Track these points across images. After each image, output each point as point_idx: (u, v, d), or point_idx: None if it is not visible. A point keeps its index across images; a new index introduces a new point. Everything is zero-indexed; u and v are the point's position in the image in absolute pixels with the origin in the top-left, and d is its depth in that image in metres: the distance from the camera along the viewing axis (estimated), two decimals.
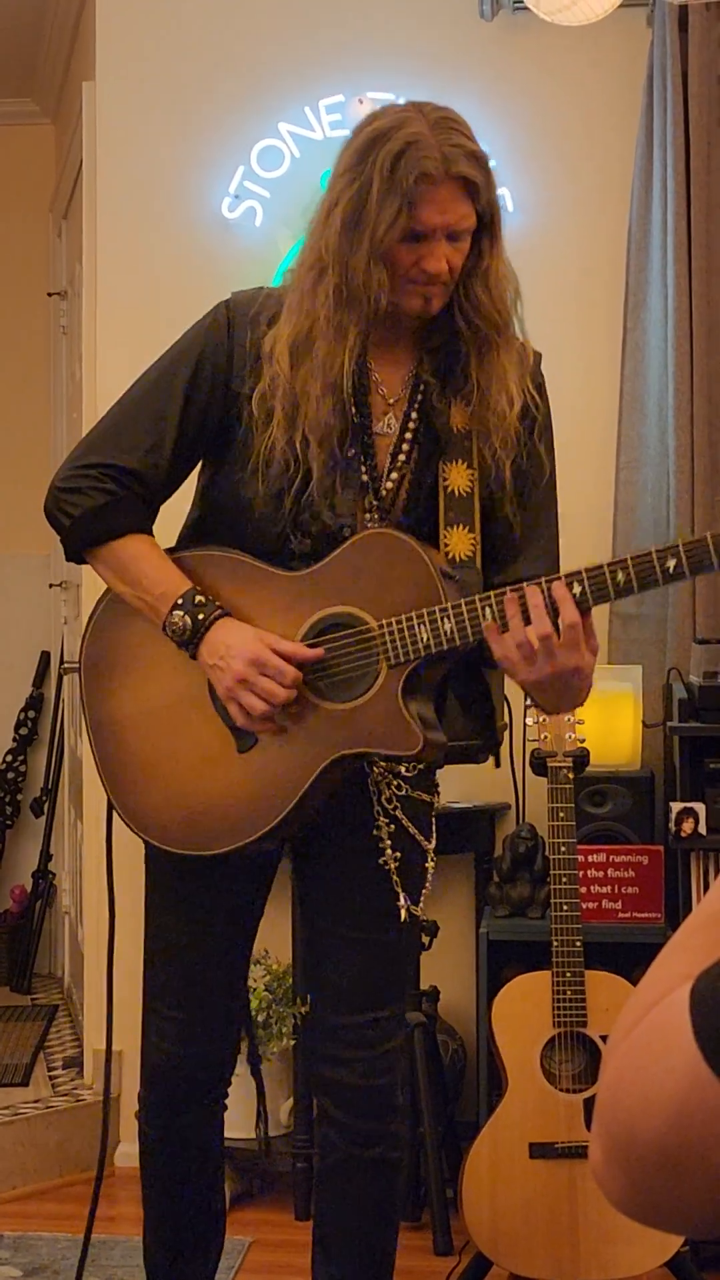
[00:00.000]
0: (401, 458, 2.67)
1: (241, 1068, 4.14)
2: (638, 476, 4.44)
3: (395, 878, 2.69)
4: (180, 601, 2.60)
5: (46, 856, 6.05)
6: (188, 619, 2.59)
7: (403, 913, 2.69)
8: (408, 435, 2.67)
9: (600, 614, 4.45)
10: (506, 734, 4.20)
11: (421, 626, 2.51)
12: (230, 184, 4.61)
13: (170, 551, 2.72)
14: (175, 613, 2.60)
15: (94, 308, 4.74)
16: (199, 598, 2.60)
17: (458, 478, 2.65)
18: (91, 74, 4.81)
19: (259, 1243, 4.00)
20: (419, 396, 2.67)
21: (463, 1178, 3.55)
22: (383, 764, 2.69)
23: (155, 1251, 2.95)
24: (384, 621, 2.53)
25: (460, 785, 4.49)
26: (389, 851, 2.69)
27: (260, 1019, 4.15)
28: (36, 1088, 4.70)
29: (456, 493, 2.65)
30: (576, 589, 2.46)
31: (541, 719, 3.61)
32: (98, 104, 4.76)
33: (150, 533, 2.73)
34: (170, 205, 4.67)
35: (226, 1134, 4.16)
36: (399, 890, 2.69)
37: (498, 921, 4.01)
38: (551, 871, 3.54)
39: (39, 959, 6.04)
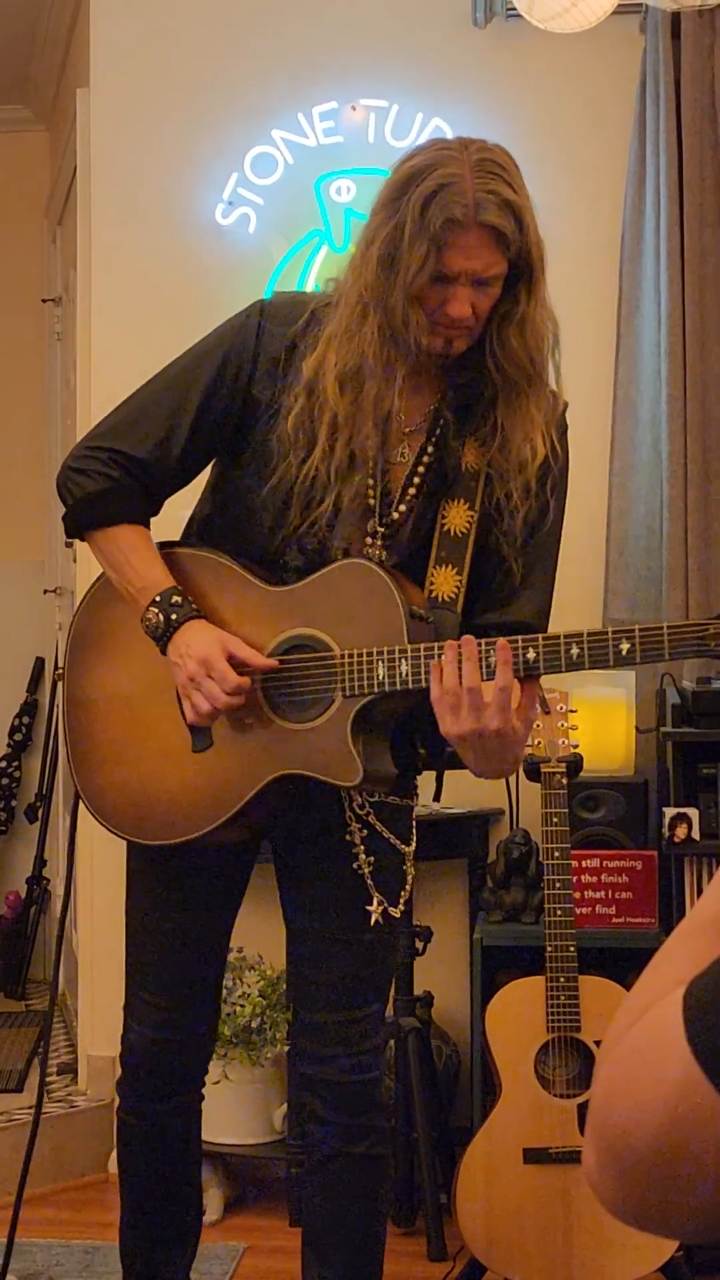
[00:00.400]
0: (412, 490, 2.68)
1: (235, 1073, 4.17)
2: (631, 483, 4.45)
3: (369, 881, 2.73)
4: (158, 598, 2.64)
5: (41, 862, 6.05)
6: (161, 616, 2.63)
7: (373, 916, 2.72)
8: (420, 468, 2.68)
9: (594, 620, 4.47)
10: None
11: (379, 664, 2.52)
12: (224, 190, 4.61)
13: (165, 545, 2.76)
14: (152, 608, 2.64)
15: (88, 314, 4.74)
16: (176, 597, 2.64)
17: (457, 517, 2.67)
18: (86, 81, 4.81)
19: (253, 1249, 4.00)
20: (437, 430, 2.68)
21: (457, 1183, 3.56)
22: None
23: (132, 1242, 2.98)
24: (346, 652, 2.55)
25: (454, 791, 4.48)
26: (362, 855, 2.73)
27: (255, 1024, 4.16)
28: (31, 1094, 4.69)
29: (452, 532, 2.66)
30: (531, 654, 2.47)
31: (536, 724, 3.61)
32: (92, 110, 4.76)
33: (147, 524, 2.76)
34: (164, 211, 4.68)
35: (221, 1140, 4.19)
36: (373, 893, 2.73)
37: (492, 927, 4.01)
38: (545, 877, 3.55)
39: (34, 964, 6.03)
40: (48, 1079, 4.83)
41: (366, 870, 2.73)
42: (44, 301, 6.14)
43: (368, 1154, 2.81)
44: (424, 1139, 3.88)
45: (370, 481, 2.65)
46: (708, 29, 4.41)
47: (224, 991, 4.15)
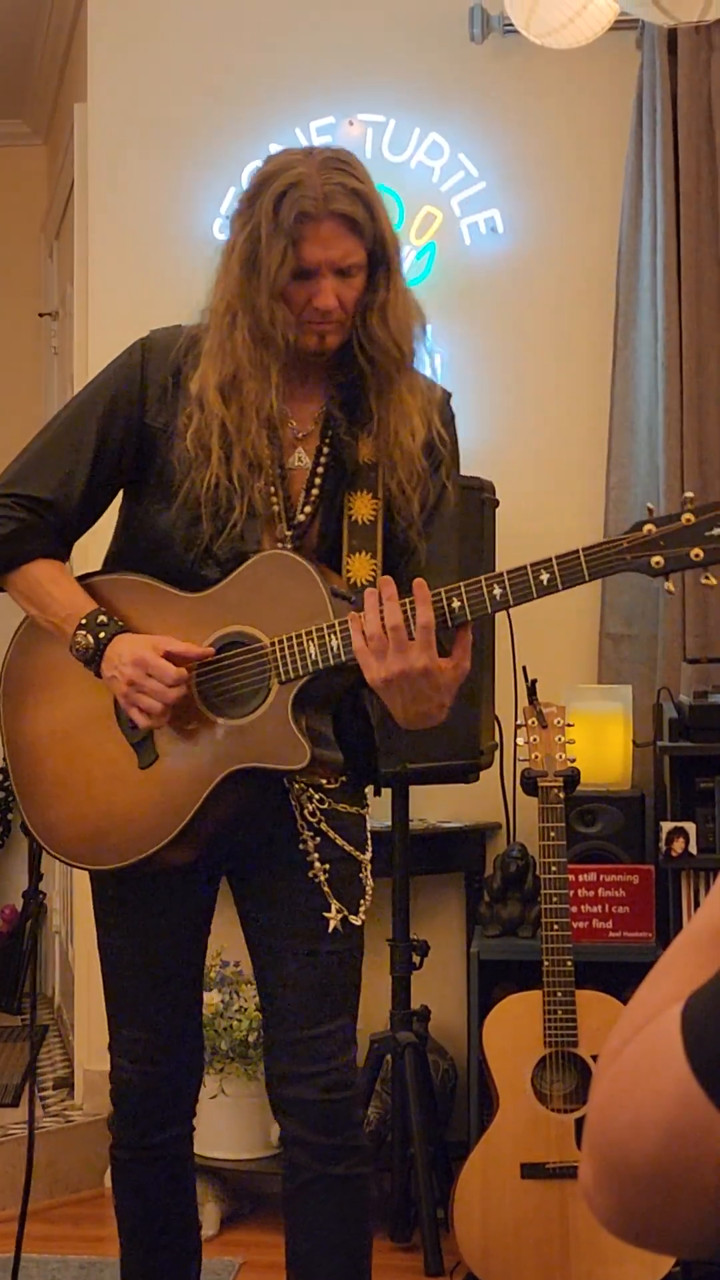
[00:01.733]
0: (315, 491, 2.73)
1: (232, 1088, 4.16)
2: (628, 495, 4.45)
3: (326, 889, 2.73)
4: (84, 621, 2.68)
5: (37, 876, 6.03)
6: (90, 637, 2.66)
7: (331, 923, 2.72)
8: (320, 469, 2.74)
9: (590, 634, 4.48)
10: (497, 754, 4.22)
11: (310, 643, 2.57)
12: (221, 205, 4.62)
13: (82, 578, 2.79)
14: (79, 633, 2.67)
15: (85, 328, 4.75)
16: (101, 617, 2.68)
17: (362, 507, 2.72)
18: (83, 96, 4.82)
19: (249, 1264, 3.99)
20: (329, 431, 2.74)
21: (454, 1198, 3.55)
22: (301, 780, 2.73)
23: (133, 1274, 2.96)
24: (276, 639, 2.59)
25: (451, 805, 4.50)
26: (317, 864, 2.73)
27: (251, 1039, 4.15)
28: (26, 1109, 4.68)
29: (360, 522, 2.72)
30: (456, 602, 2.50)
31: (532, 739, 3.61)
32: (89, 126, 4.77)
33: (62, 559, 2.81)
34: (161, 226, 4.68)
35: (216, 1154, 4.18)
36: (330, 900, 2.73)
37: (488, 941, 4.01)
38: (542, 891, 3.54)
39: (28, 979, 6.02)
40: (44, 1093, 4.82)
41: (323, 878, 2.73)
42: (41, 316, 6.15)
43: (348, 1174, 2.77)
44: (421, 1154, 3.88)
45: (272, 489, 2.70)
46: (704, 44, 4.42)
47: (220, 1006, 4.15)
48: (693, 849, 3.89)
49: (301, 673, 2.57)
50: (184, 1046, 2.88)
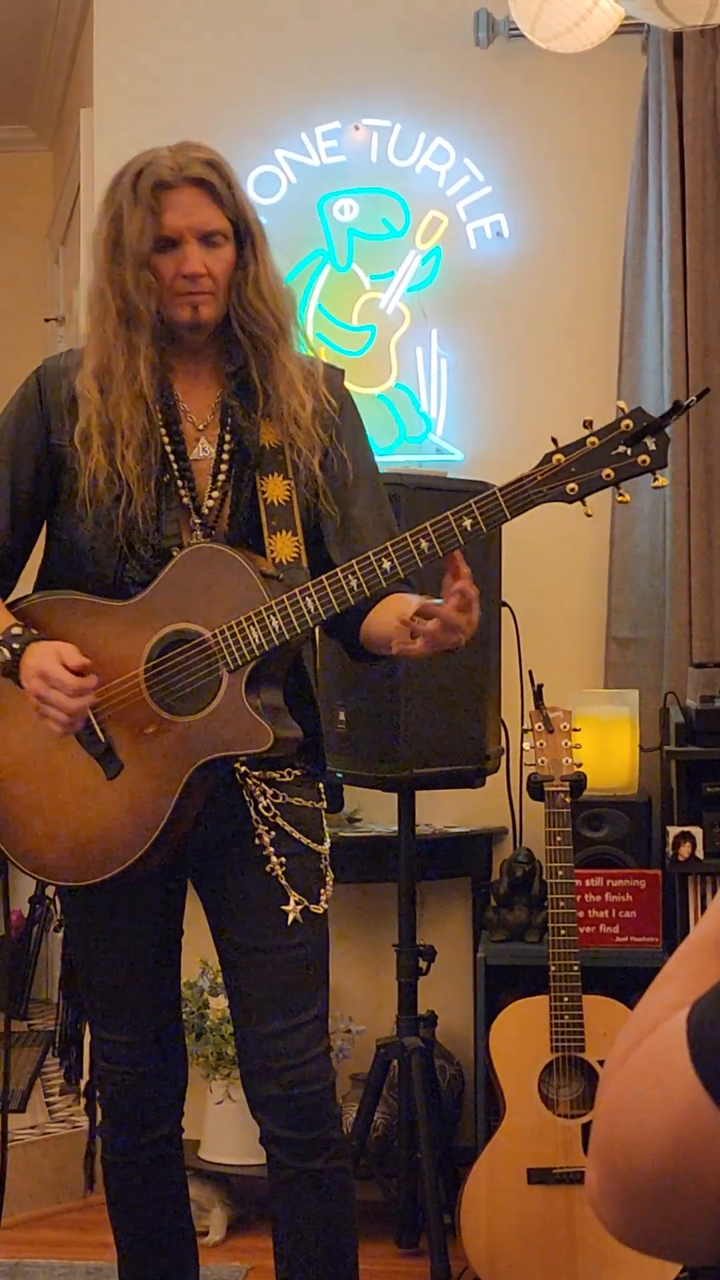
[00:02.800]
0: (221, 478, 2.77)
1: (238, 1094, 4.16)
2: (634, 501, 4.44)
3: (283, 882, 2.75)
4: (1, 639, 2.70)
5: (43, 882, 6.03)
6: (6, 651, 2.69)
7: (290, 915, 2.74)
8: (224, 457, 2.77)
9: (596, 638, 4.47)
10: (503, 759, 4.22)
11: (252, 628, 2.61)
12: None
13: (12, 604, 2.82)
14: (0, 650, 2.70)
15: None
16: (15, 629, 2.71)
17: (274, 489, 2.76)
18: (89, 101, 4.82)
19: (257, 1269, 3.98)
20: (228, 419, 2.78)
21: (460, 1203, 3.55)
22: (255, 775, 2.76)
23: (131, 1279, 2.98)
24: (217, 630, 2.63)
25: (457, 810, 4.49)
26: (273, 858, 2.75)
27: None
28: (34, 1114, 4.68)
29: (275, 503, 2.76)
30: (386, 564, 2.58)
31: (539, 744, 3.61)
32: (95, 130, 4.77)
33: None
34: None
35: (223, 1159, 4.18)
36: (289, 893, 2.75)
37: (495, 946, 4.01)
38: (549, 896, 3.54)
39: (35, 984, 6.02)
40: (50, 1099, 4.82)
41: (280, 871, 2.75)
42: (46, 321, 6.15)
43: (326, 1168, 2.79)
44: (427, 1159, 3.87)
45: (179, 482, 2.75)
46: (709, 48, 4.42)
47: (226, 1012, 4.14)
48: (699, 854, 3.88)
49: (249, 657, 2.61)
50: (165, 1046, 2.91)
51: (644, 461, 2.51)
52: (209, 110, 4.67)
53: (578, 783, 3.61)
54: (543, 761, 3.60)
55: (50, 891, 6.00)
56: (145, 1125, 2.90)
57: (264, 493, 2.75)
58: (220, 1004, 4.14)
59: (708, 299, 4.40)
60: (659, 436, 2.50)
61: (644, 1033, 1.01)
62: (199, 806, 2.72)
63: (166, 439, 2.75)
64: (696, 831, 3.88)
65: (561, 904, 3.52)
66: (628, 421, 2.51)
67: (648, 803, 4.16)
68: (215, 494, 2.76)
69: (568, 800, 3.58)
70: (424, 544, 2.55)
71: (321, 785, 2.89)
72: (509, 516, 2.56)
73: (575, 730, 3.63)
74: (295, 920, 2.74)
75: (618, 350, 4.48)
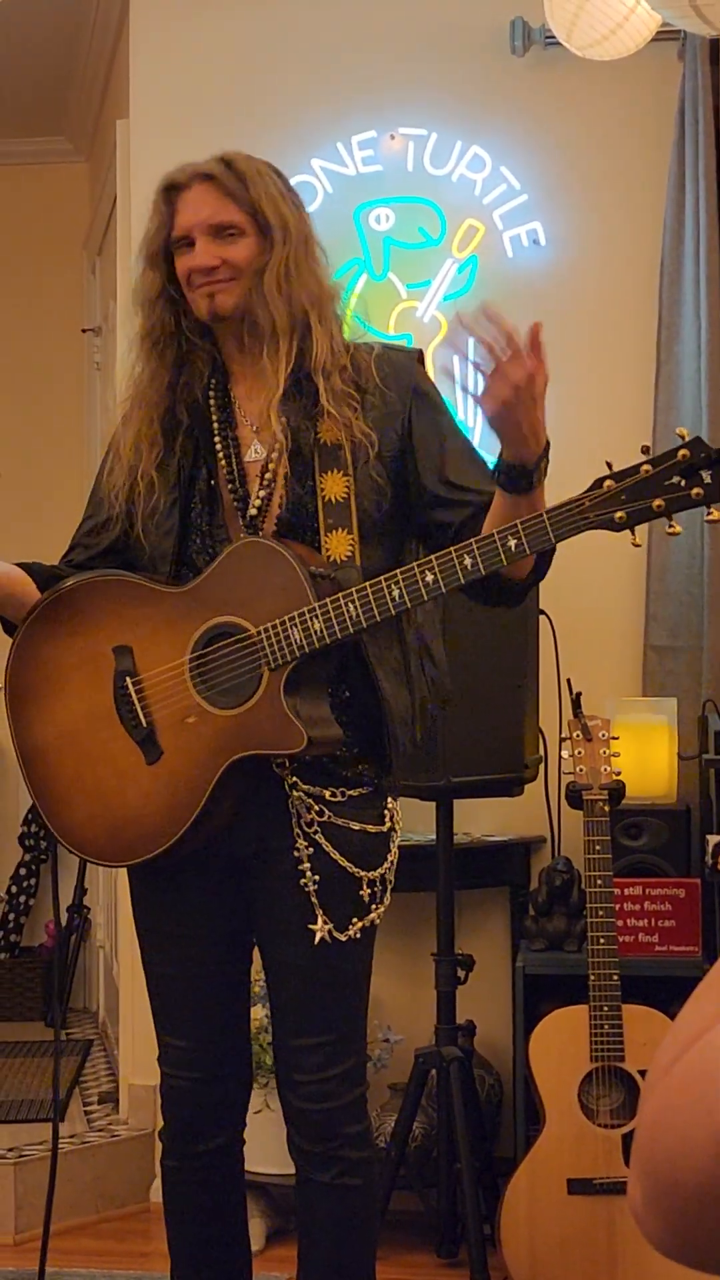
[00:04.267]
0: (268, 476, 2.77)
1: (277, 1103, 4.15)
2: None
3: (314, 900, 2.73)
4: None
5: (81, 890, 6.05)
6: None
7: (316, 936, 2.72)
8: (273, 457, 2.78)
9: (635, 646, 4.46)
10: (541, 767, 4.21)
11: (294, 628, 2.61)
12: None
13: (56, 580, 2.85)
14: None
15: (128, 344, 4.75)
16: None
17: (333, 485, 2.75)
18: (125, 112, 4.84)
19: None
20: (281, 419, 2.77)
21: (500, 1214, 3.54)
22: (303, 789, 2.74)
23: None
24: (261, 627, 2.64)
25: (495, 818, 4.48)
26: (308, 874, 2.73)
27: None
28: (72, 1123, 4.69)
29: (333, 500, 2.75)
30: (429, 577, 2.57)
31: (577, 752, 3.60)
32: (131, 142, 4.78)
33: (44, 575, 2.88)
34: None
35: (262, 1169, 4.17)
36: (316, 913, 2.72)
37: (534, 955, 4.00)
38: (588, 905, 3.53)
39: (73, 993, 6.03)
40: (89, 1108, 4.82)
41: (311, 889, 2.73)
42: (84, 332, 6.17)
43: (333, 1184, 2.79)
44: (467, 1169, 3.86)
45: (229, 486, 2.78)
46: None
47: (265, 1021, 4.14)
48: None
49: (289, 658, 2.61)
50: (229, 1053, 2.89)
51: (698, 495, 2.43)
52: (245, 120, 4.68)
53: (616, 791, 3.60)
54: (581, 770, 3.59)
55: (87, 900, 6.02)
56: (201, 1133, 2.89)
57: (322, 489, 2.75)
58: (259, 1013, 4.14)
59: None
60: (716, 470, 2.42)
61: (686, 1044, 1.00)
62: (234, 801, 2.72)
63: (220, 444, 2.78)
64: None
65: (600, 913, 3.51)
66: (685, 451, 2.44)
67: (687, 811, 4.15)
68: (262, 493, 2.77)
69: (606, 809, 3.57)
70: (467, 560, 2.53)
71: (386, 811, 2.85)
72: (554, 541, 2.52)
73: (614, 738, 3.62)
74: (323, 941, 2.72)
75: (655, 357, 4.46)
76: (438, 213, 4.61)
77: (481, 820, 4.48)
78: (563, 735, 3.69)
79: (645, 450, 2.48)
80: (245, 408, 2.81)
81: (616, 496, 2.47)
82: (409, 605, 2.59)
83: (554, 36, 4.19)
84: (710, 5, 3.48)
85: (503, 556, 2.52)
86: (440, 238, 4.61)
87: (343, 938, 2.74)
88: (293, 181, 4.54)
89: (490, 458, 2.72)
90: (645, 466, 2.46)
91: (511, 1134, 4.06)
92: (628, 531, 2.50)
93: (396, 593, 2.57)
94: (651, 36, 4.04)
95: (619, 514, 2.47)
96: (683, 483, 2.44)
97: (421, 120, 4.61)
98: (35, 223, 6.59)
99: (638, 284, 4.54)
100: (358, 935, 2.76)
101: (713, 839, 3.89)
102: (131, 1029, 4.64)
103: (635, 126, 4.59)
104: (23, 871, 6.32)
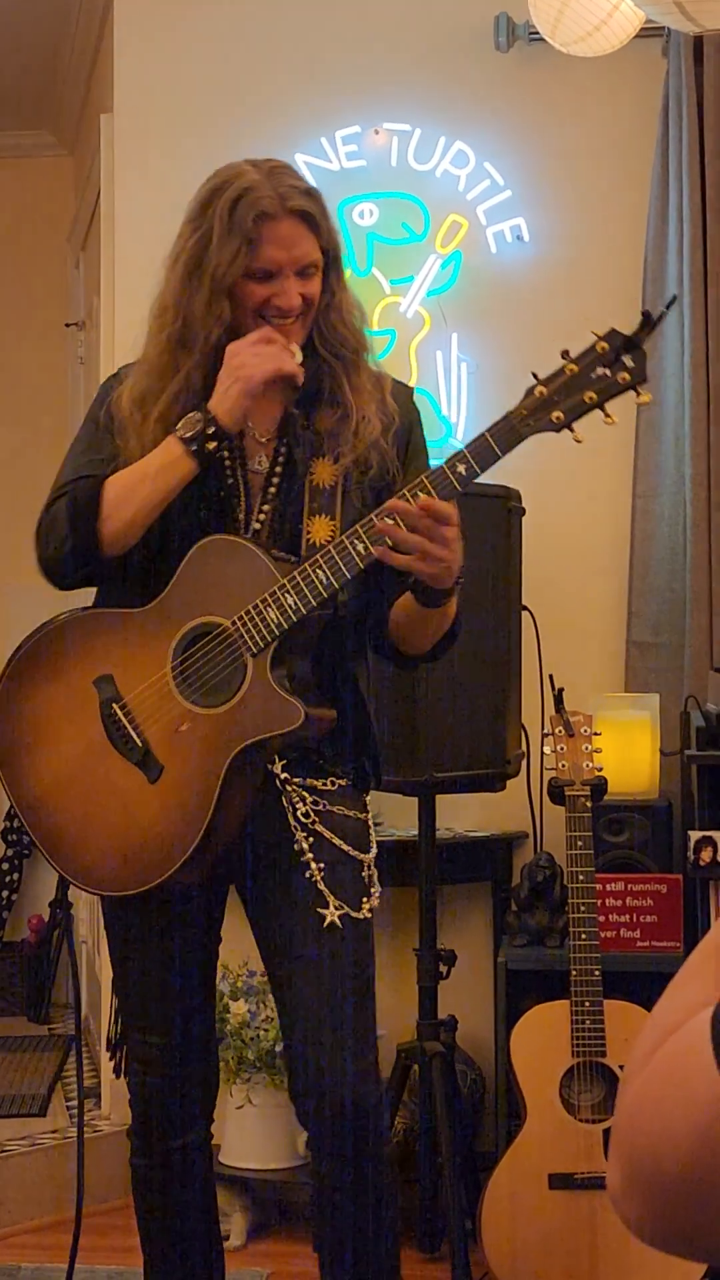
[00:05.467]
0: (272, 490, 2.78)
1: (259, 1098, 4.16)
2: (654, 505, 4.44)
3: (322, 886, 2.75)
4: (175, 428, 2.69)
5: (64, 886, 6.04)
6: (188, 418, 2.68)
7: (328, 918, 2.73)
8: (277, 470, 2.79)
9: (617, 643, 4.46)
10: (524, 763, 4.21)
11: (269, 609, 2.64)
12: None
13: (30, 636, 2.83)
14: (178, 430, 2.68)
15: (112, 338, 4.75)
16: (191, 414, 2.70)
17: (322, 472, 2.77)
18: (109, 106, 4.83)
19: (277, 1274, 3.98)
20: (287, 429, 2.79)
21: (481, 1208, 3.54)
22: (295, 782, 2.76)
23: None
24: (235, 618, 2.66)
25: (477, 814, 4.49)
26: (313, 864, 2.75)
27: (278, 1049, 4.14)
28: (54, 1118, 4.68)
29: (320, 485, 2.76)
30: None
31: (559, 748, 3.60)
32: (115, 136, 4.78)
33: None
34: None
35: (245, 1164, 4.18)
36: (327, 898, 2.74)
37: (516, 950, 4.00)
38: (570, 900, 3.54)
39: (56, 989, 6.03)
40: (70, 1104, 4.82)
41: (319, 876, 2.75)
42: (67, 326, 6.16)
43: (360, 1180, 2.80)
44: (448, 1164, 3.86)
45: (235, 498, 2.77)
46: None
47: (247, 1016, 4.14)
48: None
49: (269, 639, 2.64)
50: (198, 1052, 2.91)
51: (624, 379, 2.54)
52: (229, 115, 4.68)
53: (598, 787, 3.60)
54: (563, 765, 3.60)
55: (71, 895, 6.01)
56: (172, 1130, 2.90)
57: (312, 474, 2.76)
58: (241, 1008, 4.14)
59: None
60: (636, 354, 2.54)
61: (666, 1033, 1.01)
62: (245, 798, 2.73)
63: (226, 454, 2.76)
64: (718, 835, 3.87)
65: (582, 908, 3.51)
66: (603, 344, 2.54)
67: (668, 807, 4.15)
68: (267, 507, 2.77)
69: (588, 804, 3.57)
70: (421, 496, 2.58)
71: (366, 800, 2.89)
72: (500, 453, 2.59)
73: (596, 734, 3.62)
74: (333, 924, 2.74)
75: None
76: (421, 208, 4.61)
77: (464, 816, 4.49)
78: (545, 731, 3.70)
79: (565, 354, 2.57)
80: (251, 419, 2.78)
81: (550, 399, 2.56)
82: (374, 554, 2.61)
83: (538, 33, 4.19)
84: (694, 2, 3.49)
85: (455, 482, 2.58)
86: (424, 233, 4.61)
87: (358, 916, 2.77)
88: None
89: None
90: (569, 366, 2.57)
91: (493, 1129, 4.06)
92: (569, 431, 2.58)
93: (360, 546, 2.61)
94: (635, 33, 4.05)
95: (555, 414, 2.56)
96: (608, 373, 2.54)
97: (405, 116, 4.61)
98: (19, 216, 6.58)
99: (621, 280, 4.54)
100: (369, 914, 2.80)
101: (694, 835, 3.90)
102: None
103: (619, 123, 4.60)
104: (5, 866, 6.32)
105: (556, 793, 3.60)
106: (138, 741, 2.72)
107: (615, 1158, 1.02)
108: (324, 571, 2.62)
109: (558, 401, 2.56)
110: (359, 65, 4.67)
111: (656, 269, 4.45)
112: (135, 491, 2.70)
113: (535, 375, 2.58)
